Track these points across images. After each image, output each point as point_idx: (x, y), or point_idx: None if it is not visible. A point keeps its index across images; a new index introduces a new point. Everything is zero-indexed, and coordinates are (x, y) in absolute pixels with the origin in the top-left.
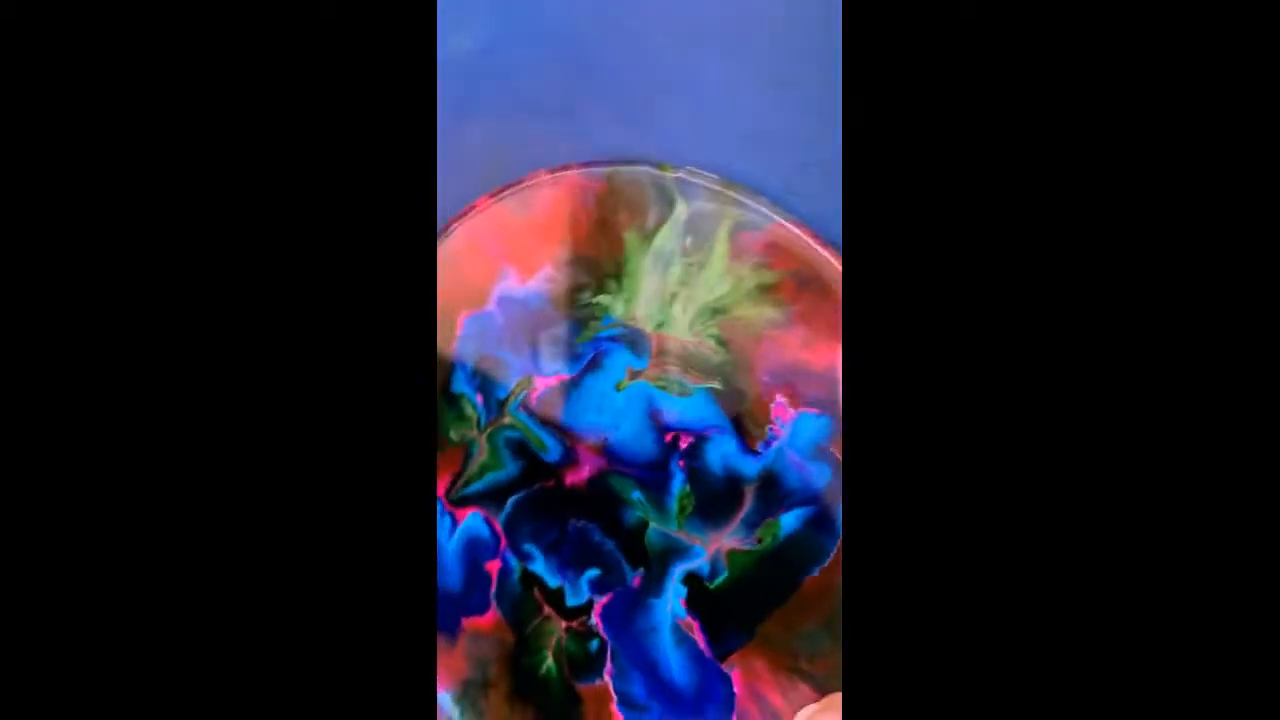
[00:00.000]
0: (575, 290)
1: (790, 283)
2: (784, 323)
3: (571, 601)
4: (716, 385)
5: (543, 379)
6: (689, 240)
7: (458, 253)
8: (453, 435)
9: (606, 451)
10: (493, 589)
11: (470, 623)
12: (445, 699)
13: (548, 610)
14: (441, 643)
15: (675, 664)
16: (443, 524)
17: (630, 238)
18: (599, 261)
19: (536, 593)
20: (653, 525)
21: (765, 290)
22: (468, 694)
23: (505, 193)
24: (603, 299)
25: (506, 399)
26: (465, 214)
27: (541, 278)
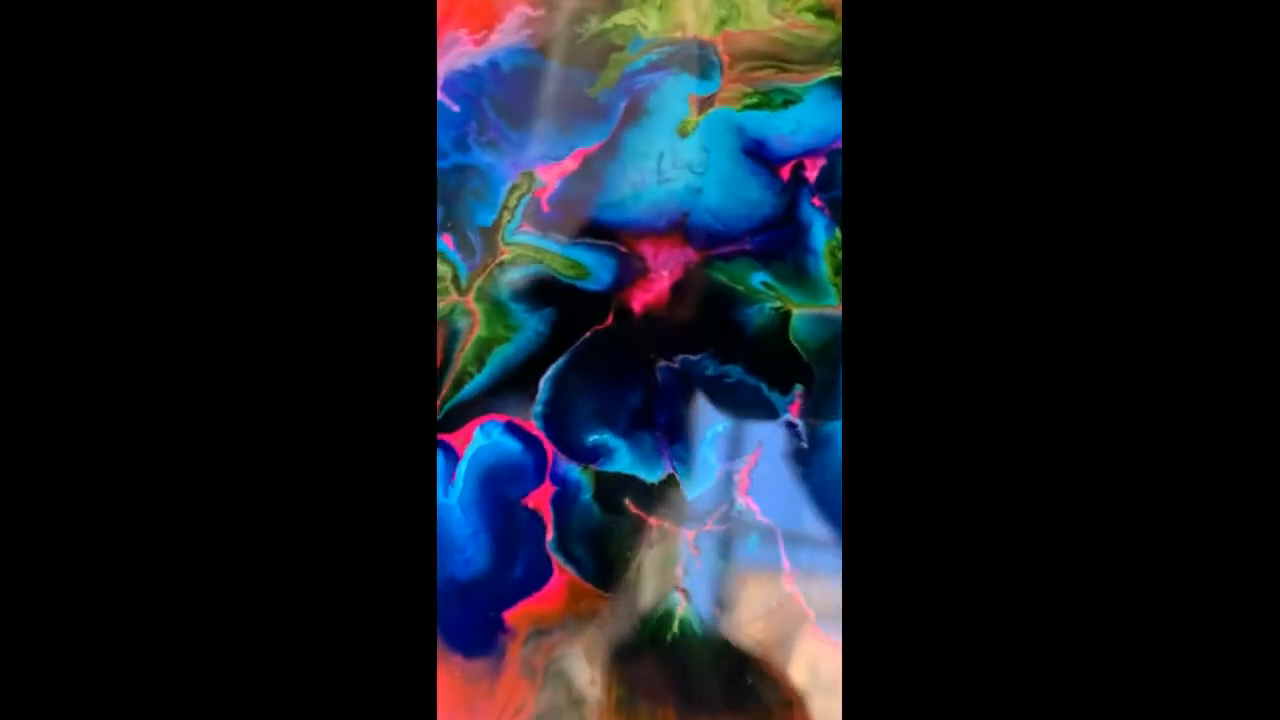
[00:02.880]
0: (574, 21)
1: None
2: None
3: (699, 489)
4: (835, 73)
5: (549, 168)
6: None
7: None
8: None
9: (690, 233)
10: (548, 536)
11: (524, 609)
12: None
13: (657, 521)
14: (480, 668)
15: None
16: (437, 467)
17: None
18: None
19: (630, 505)
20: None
21: None
22: None
23: None
24: (621, 18)
25: (495, 224)
26: None
27: (510, 27)
